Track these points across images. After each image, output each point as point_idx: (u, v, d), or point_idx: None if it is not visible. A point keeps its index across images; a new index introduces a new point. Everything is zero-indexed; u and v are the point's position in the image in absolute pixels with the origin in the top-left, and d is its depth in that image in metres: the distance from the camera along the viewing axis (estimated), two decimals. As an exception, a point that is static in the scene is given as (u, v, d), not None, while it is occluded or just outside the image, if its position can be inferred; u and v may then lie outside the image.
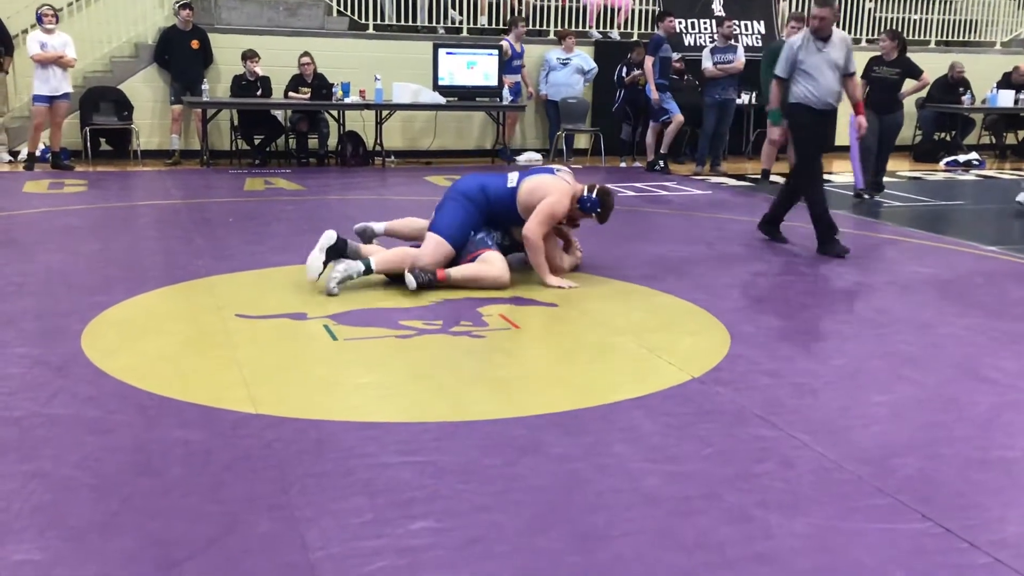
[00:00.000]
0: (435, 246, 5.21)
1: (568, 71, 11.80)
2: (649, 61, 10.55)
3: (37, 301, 4.80)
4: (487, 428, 3.29)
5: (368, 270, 5.09)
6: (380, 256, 5.19)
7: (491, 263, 5.23)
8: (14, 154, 10.35)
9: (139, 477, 2.85)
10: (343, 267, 5.01)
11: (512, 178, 5.46)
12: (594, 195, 5.44)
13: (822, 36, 6.39)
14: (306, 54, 10.79)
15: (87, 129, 10.40)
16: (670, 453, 3.12)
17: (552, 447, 3.14)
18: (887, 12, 14.36)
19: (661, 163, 10.99)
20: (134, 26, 11.07)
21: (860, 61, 13.26)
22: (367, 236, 5.75)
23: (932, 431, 3.40)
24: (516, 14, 12.28)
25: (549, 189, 5.34)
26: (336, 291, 4.96)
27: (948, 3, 14.65)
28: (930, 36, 14.44)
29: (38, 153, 10.02)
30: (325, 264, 5.12)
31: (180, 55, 10.63)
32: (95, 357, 3.91)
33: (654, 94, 10.61)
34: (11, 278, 5.23)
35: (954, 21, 14.60)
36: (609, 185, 5.85)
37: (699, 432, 3.30)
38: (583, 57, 11.96)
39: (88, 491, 2.75)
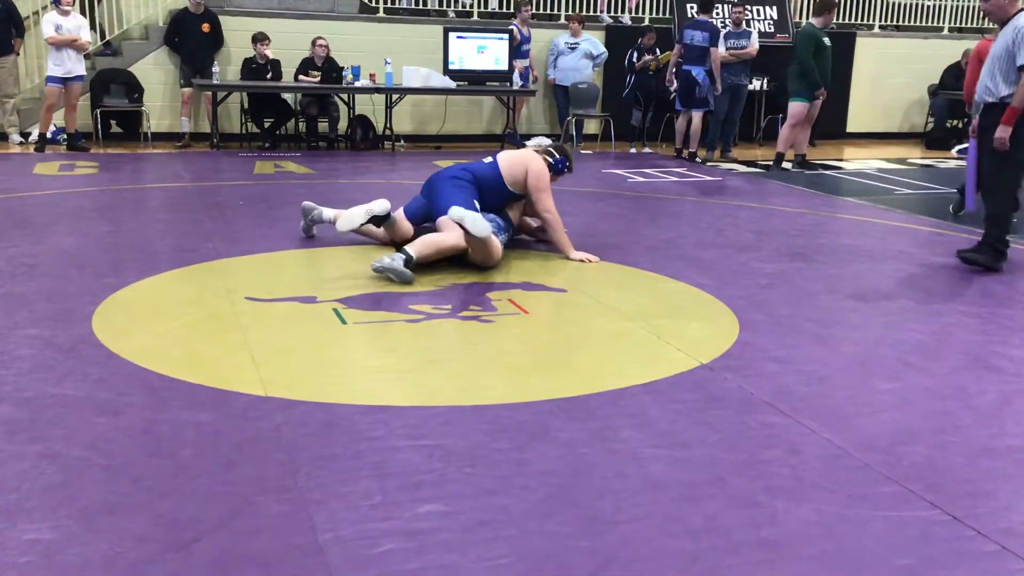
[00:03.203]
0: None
1: (576, 56, 11.74)
2: (716, 53, 10.46)
3: (48, 283, 4.82)
4: (496, 412, 3.30)
5: (409, 260, 4.95)
6: (417, 249, 5.05)
7: (449, 231, 5.22)
8: (25, 135, 10.38)
9: (149, 458, 2.87)
10: (389, 259, 4.92)
11: (486, 159, 5.78)
12: (558, 155, 5.86)
13: (995, 22, 5.66)
14: (321, 37, 10.78)
15: (98, 111, 10.42)
16: (678, 439, 3.13)
17: (560, 432, 3.14)
18: (901, -2, 14.28)
19: (699, 158, 10.85)
20: (145, 8, 11.07)
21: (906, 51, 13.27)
22: (315, 219, 5.88)
23: (940, 419, 3.40)
24: (524, -2, 12.24)
25: (527, 159, 5.69)
26: (412, 277, 4.89)
27: (962, -11, 14.56)
28: (943, 23, 14.35)
29: (49, 134, 10.05)
30: (361, 225, 5.30)
31: (191, 38, 10.63)
32: (106, 339, 3.93)
33: (718, 86, 10.56)
34: (22, 259, 5.25)
35: (967, 7, 14.49)
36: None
37: (707, 418, 3.30)
38: (592, 42, 11.90)
39: (99, 471, 2.77)
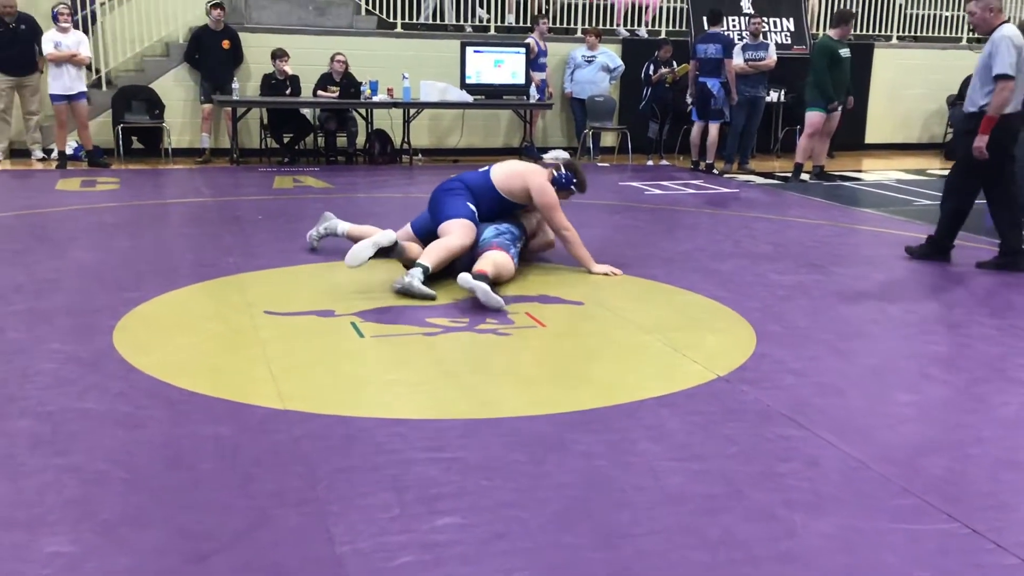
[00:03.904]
0: (459, 227, 5.25)
1: (593, 69, 11.78)
2: (730, 64, 10.50)
3: (70, 297, 4.87)
4: (512, 425, 3.30)
5: (426, 271, 4.99)
6: (431, 259, 5.07)
7: (452, 233, 5.24)
8: (47, 152, 10.49)
9: (169, 471, 2.89)
10: (408, 278, 4.94)
11: (480, 168, 5.71)
12: (565, 171, 5.70)
13: (981, 34, 5.85)
14: (339, 53, 10.86)
15: (119, 127, 10.52)
16: (695, 451, 3.12)
17: (577, 444, 3.15)
18: (919, 9, 14.22)
19: (716, 170, 10.86)
20: (165, 25, 11.19)
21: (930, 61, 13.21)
22: (330, 229, 5.95)
23: (960, 431, 3.38)
24: (541, 12, 12.28)
25: (525, 173, 5.55)
26: (434, 294, 4.91)
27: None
28: (962, 33, 14.29)
29: (70, 151, 10.15)
30: (369, 259, 5.15)
31: (211, 55, 10.73)
32: (126, 353, 3.97)
33: (734, 96, 10.61)
34: (45, 274, 5.30)
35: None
36: (573, 163, 5.87)
37: (724, 431, 3.30)
38: (608, 55, 11.94)
39: (119, 485, 2.79)
